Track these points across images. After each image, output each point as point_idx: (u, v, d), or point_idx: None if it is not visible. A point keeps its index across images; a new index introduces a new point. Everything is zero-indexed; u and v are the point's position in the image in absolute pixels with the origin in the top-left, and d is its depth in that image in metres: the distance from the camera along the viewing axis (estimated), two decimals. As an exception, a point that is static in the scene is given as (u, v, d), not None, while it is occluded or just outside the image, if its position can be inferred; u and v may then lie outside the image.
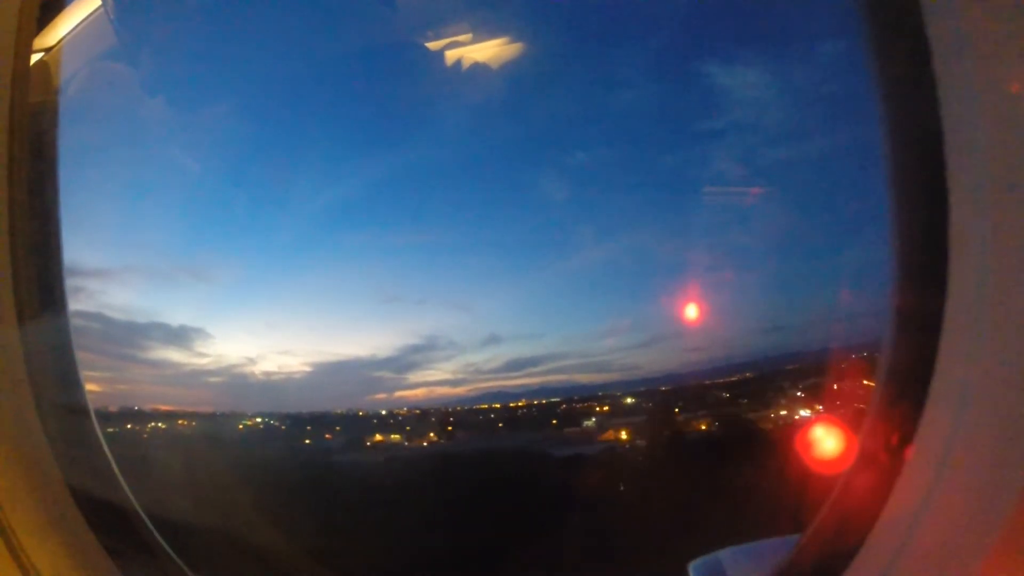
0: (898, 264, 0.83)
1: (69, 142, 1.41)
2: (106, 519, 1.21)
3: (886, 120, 0.84)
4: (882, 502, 0.80)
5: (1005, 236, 0.71)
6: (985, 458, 0.72)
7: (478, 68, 2.41)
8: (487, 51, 2.34)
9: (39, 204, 1.30)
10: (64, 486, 1.17)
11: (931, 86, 0.77)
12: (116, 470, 1.30)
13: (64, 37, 1.42)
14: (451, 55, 2.33)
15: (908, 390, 0.79)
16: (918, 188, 0.82)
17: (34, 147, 1.30)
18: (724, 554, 1.27)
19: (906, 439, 0.79)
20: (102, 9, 1.49)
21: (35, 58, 1.34)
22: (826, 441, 1.02)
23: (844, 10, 0.91)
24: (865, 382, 0.90)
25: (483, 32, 2.36)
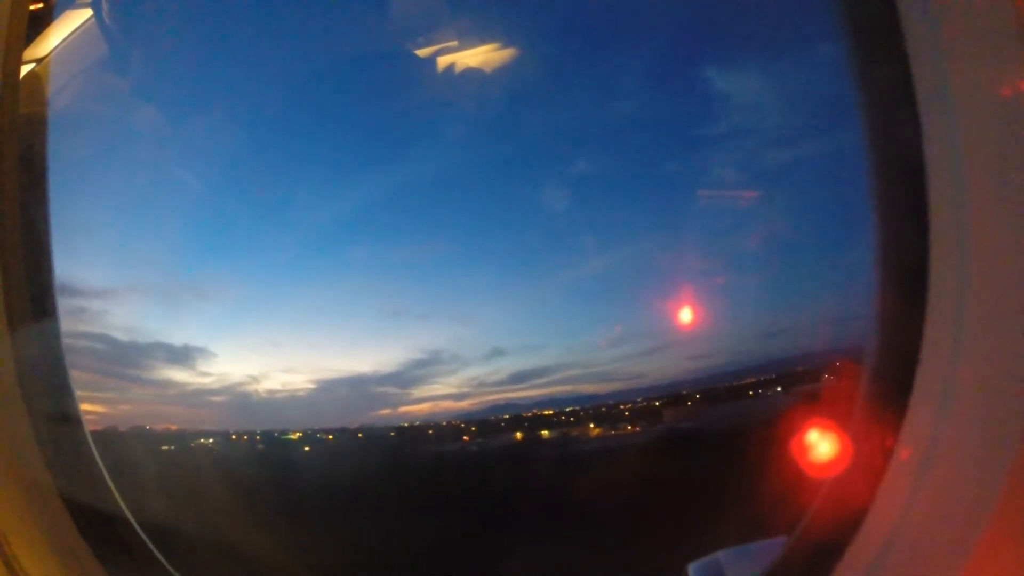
0: (881, 268, 0.85)
1: (63, 156, 1.42)
2: (97, 526, 1.21)
3: (868, 128, 0.86)
4: (869, 500, 0.81)
5: (983, 240, 0.73)
6: (967, 456, 0.73)
7: (475, 80, 2.42)
8: (484, 61, 2.36)
9: (29, 214, 1.31)
10: (55, 493, 1.17)
11: (910, 94, 0.78)
12: (107, 476, 1.30)
13: (54, 48, 1.42)
14: (448, 67, 2.34)
15: (892, 391, 0.80)
16: (899, 193, 0.83)
17: (24, 158, 1.30)
18: (723, 555, 1.28)
19: (891, 438, 0.80)
20: (92, 20, 1.49)
21: (25, 69, 1.34)
22: (819, 442, 1.03)
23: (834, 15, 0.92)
24: (857, 383, 0.91)
25: (479, 41, 2.37)
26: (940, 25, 0.75)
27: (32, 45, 1.36)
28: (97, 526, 1.22)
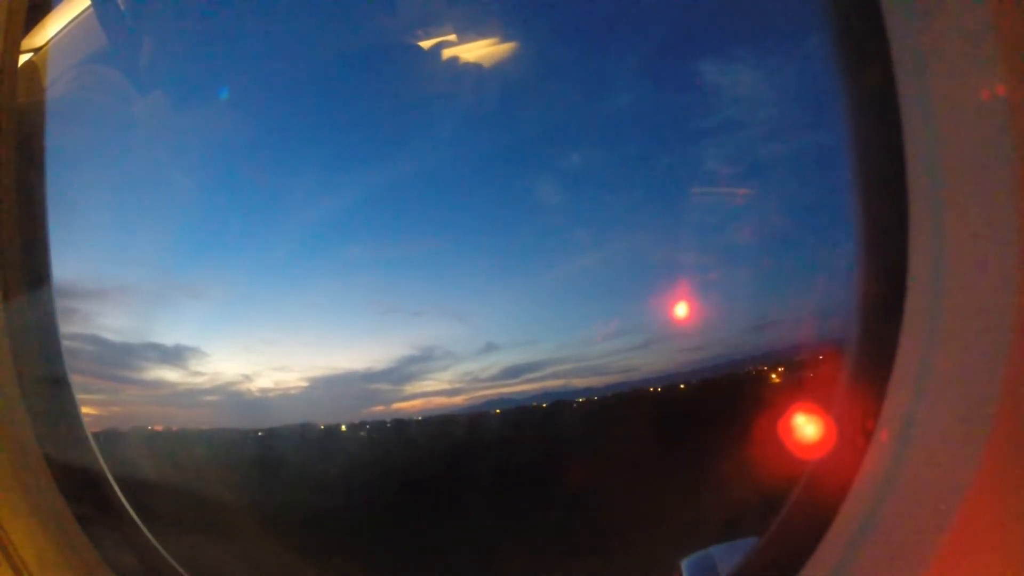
0: (863, 261, 0.88)
1: (56, 147, 1.42)
2: (79, 488, 1.24)
3: (851, 126, 0.89)
4: (848, 485, 0.85)
5: (959, 235, 0.77)
6: (942, 440, 0.76)
7: (468, 73, 2.43)
8: (477, 55, 2.36)
9: (25, 187, 1.31)
10: (41, 456, 1.19)
11: (893, 97, 0.82)
12: (91, 440, 1.31)
13: (53, 37, 1.42)
14: (442, 62, 2.35)
15: (872, 377, 0.84)
16: (880, 190, 0.87)
17: (23, 147, 1.30)
18: (716, 550, 1.31)
19: (871, 423, 0.83)
20: (91, 9, 1.49)
21: (23, 58, 1.34)
22: (803, 432, 1.06)
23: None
24: (840, 370, 0.94)
25: (473, 35, 2.37)
26: (922, 31, 0.78)
27: (31, 33, 1.36)
28: (78, 486, 1.24)
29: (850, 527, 0.85)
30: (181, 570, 1.26)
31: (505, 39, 2.42)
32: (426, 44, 2.36)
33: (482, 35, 2.42)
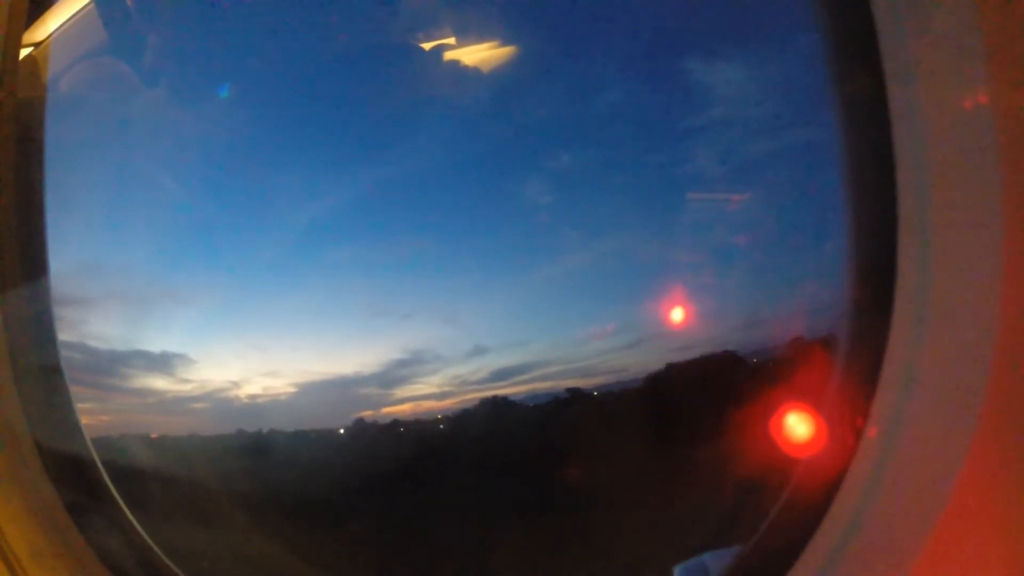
0: (852, 257, 0.90)
1: (52, 143, 1.42)
2: (71, 480, 1.24)
3: (842, 129, 0.91)
4: (838, 481, 0.86)
5: (946, 236, 0.78)
6: (929, 436, 0.78)
7: (459, 74, 2.43)
8: (469, 56, 2.37)
9: (24, 182, 1.32)
10: (33, 448, 1.19)
11: (884, 104, 0.84)
12: (82, 427, 1.31)
13: (54, 32, 1.42)
14: (431, 64, 2.36)
15: (862, 375, 0.85)
16: (871, 193, 0.88)
17: (23, 142, 1.31)
18: (709, 558, 1.31)
19: (860, 419, 0.84)
20: (93, 5, 1.50)
21: (24, 53, 1.34)
22: (792, 432, 1.07)
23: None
24: (830, 369, 0.95)
25: (464, 37, 2.38)
26: (913, 38, 0.80)
27: (32, 28, 1.36)
28: (68, 474, 1.24)
29: (838, 526, 0.86)
30: (170, 563, 1.26)
31: (497, 42, 2.42)
32: (418, 46, 2.37)
33: (474, 39, 2.43)
